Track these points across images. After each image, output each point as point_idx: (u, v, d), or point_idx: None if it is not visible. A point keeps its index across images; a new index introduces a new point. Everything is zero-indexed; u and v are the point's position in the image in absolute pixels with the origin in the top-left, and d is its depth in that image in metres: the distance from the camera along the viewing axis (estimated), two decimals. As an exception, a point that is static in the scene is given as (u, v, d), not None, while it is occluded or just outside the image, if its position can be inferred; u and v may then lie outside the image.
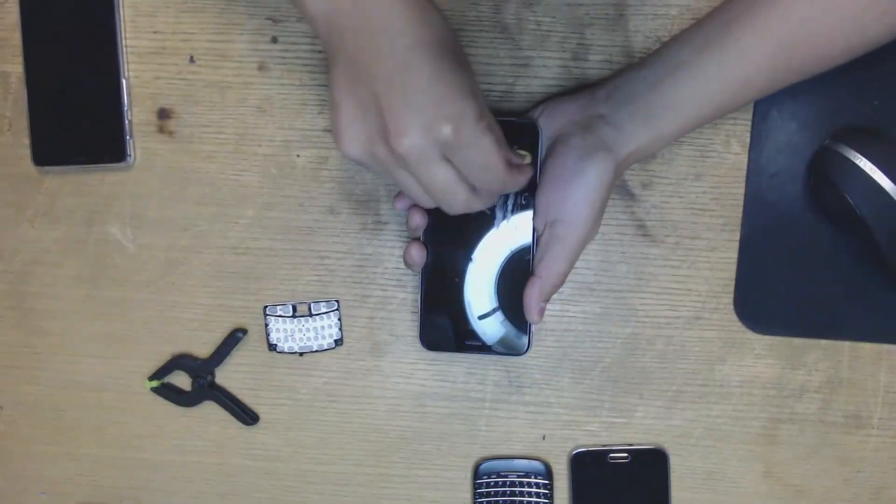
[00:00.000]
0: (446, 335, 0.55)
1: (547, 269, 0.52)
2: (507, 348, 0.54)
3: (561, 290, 0.58)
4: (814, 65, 0.50)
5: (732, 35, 0.49)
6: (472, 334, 0.54)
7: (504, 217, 0.53)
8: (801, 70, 0.50)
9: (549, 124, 0.53)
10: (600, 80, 0.55)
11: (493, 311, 0.54)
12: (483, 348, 0.54)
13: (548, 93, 0.56)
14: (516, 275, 0.53)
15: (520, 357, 0.55)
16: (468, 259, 0.54)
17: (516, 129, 0.52)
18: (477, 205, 0.47)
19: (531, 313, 0.53)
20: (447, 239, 0.54)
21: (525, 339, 0.54)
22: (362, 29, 0.43)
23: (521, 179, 0.47)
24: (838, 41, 0.49)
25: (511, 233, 0.53)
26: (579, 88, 0.56)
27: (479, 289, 0.54)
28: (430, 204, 0.46)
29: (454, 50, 0.45)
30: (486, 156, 0.44)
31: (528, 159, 0.52)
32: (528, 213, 0.53)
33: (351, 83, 0.43)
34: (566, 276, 0.52)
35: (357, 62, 0.43)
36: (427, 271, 0.54)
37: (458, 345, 0.54)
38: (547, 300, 0.53)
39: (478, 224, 0.53)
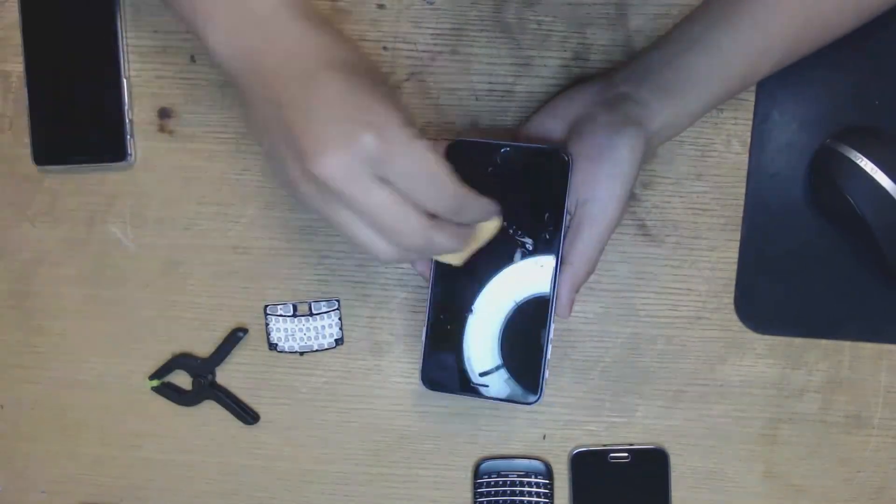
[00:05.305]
0: (450, 379, 0.51)
1: (578, 255, 0.49)
2: (514, 399, 0.51)
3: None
4: (829, 31, 0.50)
5: (744, 8, 0.48)
6: (475, 389, 0.51)
7: (510, 261, 0.50)
8: (816, 39, 0.49)
9: (568, 108, 0.51)
10: (616, 66, 0.54)
11: (497, 368, 0.50)
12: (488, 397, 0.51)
13: (549, 93, 0.56)
14: (521, 329, 0.50)
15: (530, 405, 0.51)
16: (468, 311, 0.50)
17: (542, 157, 0.48)
18: (443, 240, 0.41)
19: (563, 308, 0.49)
20: (449, 286, 0.50)
21: (533, 398, 0.50)
22: (274, 62, 0.40)
23: (483, 202, 0.42)
24: (847, 8, 0.48)
25: (517, 281, 0.49)
26: (595, 76, 0.55)
27: (481, 344, 0.50)
28: (391, 254, 0.41)
29: (371, 71, 0.42)
30: (424, 163, 0.38)
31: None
32: (538, 259, 0.49)
33: (265, 120, 0.40)
34: (597, 262, 0.50)
35: (269, 98, 0.40)
36: (432, 308, 0.50)
37: (463, 388, 0.51)
38: (577, 290, 0.50)
39: (483, 269, 0.50)
